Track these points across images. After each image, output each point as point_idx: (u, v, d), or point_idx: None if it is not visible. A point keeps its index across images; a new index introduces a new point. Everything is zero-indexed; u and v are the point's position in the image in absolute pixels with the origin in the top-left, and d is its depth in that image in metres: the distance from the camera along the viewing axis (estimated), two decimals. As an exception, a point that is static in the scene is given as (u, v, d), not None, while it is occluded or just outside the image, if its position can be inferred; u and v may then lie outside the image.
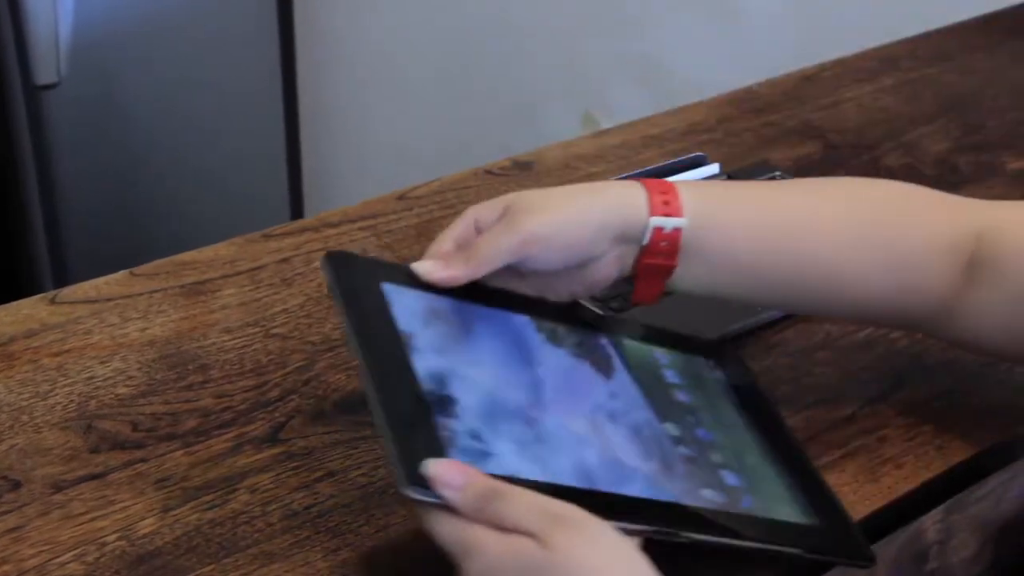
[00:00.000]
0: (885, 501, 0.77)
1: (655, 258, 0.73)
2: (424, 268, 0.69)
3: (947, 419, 0.84)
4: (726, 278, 0.75)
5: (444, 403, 0.63)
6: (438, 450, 0.60)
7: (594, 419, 0.69)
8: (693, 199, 0.73)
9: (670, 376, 0.76)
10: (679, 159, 1.09)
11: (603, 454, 0.66)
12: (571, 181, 1.12)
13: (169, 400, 0.81)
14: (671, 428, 0.72)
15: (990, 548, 0.70)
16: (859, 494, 0.77)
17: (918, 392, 0.86)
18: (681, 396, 0.75)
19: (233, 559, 0.69)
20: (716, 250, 0.74)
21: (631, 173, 1.06)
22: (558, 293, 0.74)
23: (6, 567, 0.67)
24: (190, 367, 0.85)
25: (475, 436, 0.62)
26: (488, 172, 1.14)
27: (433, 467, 0.59)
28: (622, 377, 0.73)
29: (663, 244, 0.72)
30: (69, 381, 0.82)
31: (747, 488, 0.71)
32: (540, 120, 2.30)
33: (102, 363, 0.84)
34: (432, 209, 1.07)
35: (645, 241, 0.72)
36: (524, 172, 1.14)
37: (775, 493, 0.72)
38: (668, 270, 0.74)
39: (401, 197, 1.08)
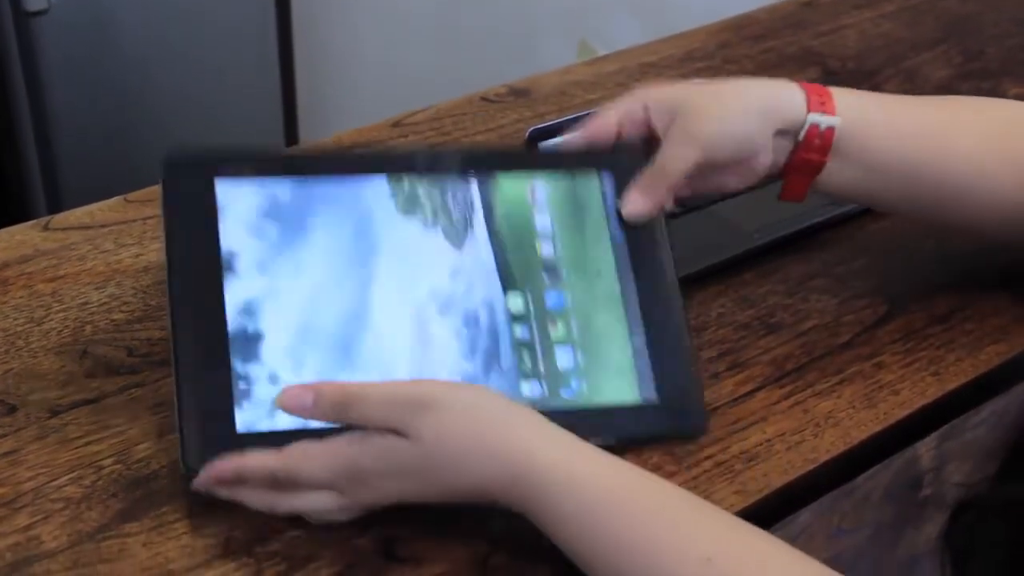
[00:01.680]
0: (881, 427, 0.77)
1: (808, 153, 0.76)
2: (631, 208, 0.74)
3: (943, 346, 0.84)
4: (870, 180, 0.79)
5: (248, 343, 0.66)
6: (227, 413, 0.64)
7: (422, 316, 0.70)
8: (846, 102, 0.77)
9: (542, 222, 0.74)
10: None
11: (417, 370, 0.68)
12: (568, 108, 1.11)
13: (164, 326, 0.81)
14: (514, 301, 0.72)
15: (983, 475, 0.70)
16: (855, 420, 0.77)
17: (915, 319, 0.86)
18: (546, 248, 0.74)
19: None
20: (864, 151, 0.77)
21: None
22: (718, 187, 0.77)
23: (3, 489, 0.68)
24: (185, 293, 0.84)
25: (274, 380, 0.65)
26: (484, 99, 1.13)
27: (280, 400, 0.63)
28: (476, 241, 0.72)
29: (816, 141, 0.76)
30: (64, 307, 0.82)
31: (579, 368, 0.72)
32: (535, 49, 2.28)
33: (97, 289, 0.84)
34: (428, 136, 1.06)
35: (800, 136, 0.76)
36: (521, 99, 1.13)
37: (615, 363, 0.72)
38: (818, 167, 0.77)
39: (396, 124, 1.07)
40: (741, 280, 0.89)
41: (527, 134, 0.99)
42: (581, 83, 1.16)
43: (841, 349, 0.83)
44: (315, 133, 2.62)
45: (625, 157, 0.76)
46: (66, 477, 0.69)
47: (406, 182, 0.70)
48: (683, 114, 0.75)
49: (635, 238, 0.75)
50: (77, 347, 0.79)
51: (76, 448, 0.71)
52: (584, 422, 0.68)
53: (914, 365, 0.82)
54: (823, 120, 0.76)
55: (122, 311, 0.82)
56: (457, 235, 0.71)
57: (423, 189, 0.71)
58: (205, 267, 0.65)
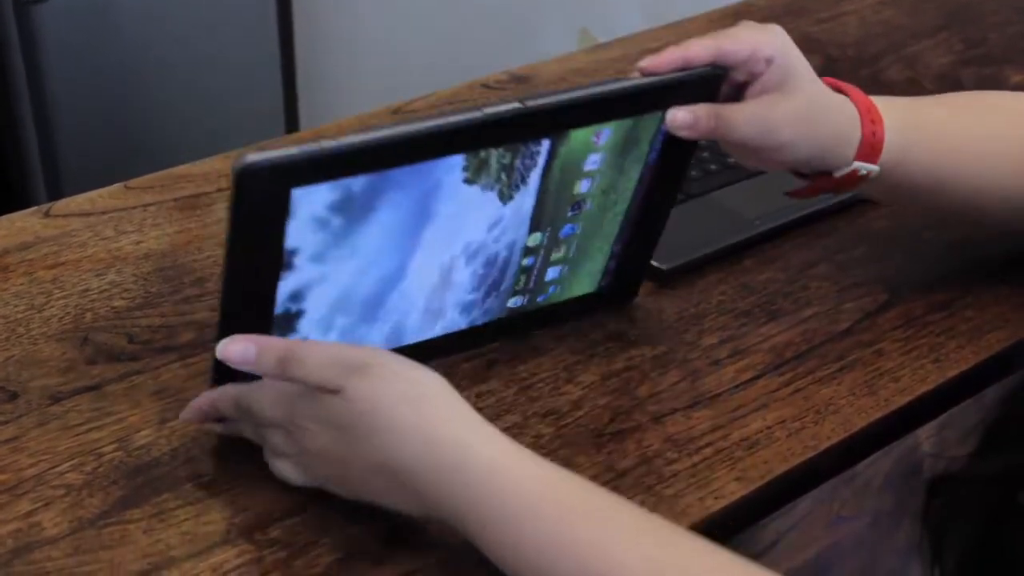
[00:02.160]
0: (881, 414, 0.77)
1: (841, 184, 0.78)
2: (679, 118, 0.72)
3: (944, 333, 0.84)
4: (896, 196, 0.83)
5: (289, 320, 0.68)
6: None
7: (449, 267, 0.72)
8: (894, 142, 0.77)
9: (592, 161, 0.73)
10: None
11: (429, 307, 0.73)
12: (568, 95, 1.11)
13: (165, 313, 0.81)
14: (533, 238, 0.74)
15: (978, 441, 0.70)
16: (855, 407, 0.77)
17: (915, 306, 0.86)
18: (584, 185, 0.74)
19: (231, 469, 0.69)
20: (896, 185, 0.79)
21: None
22: (742, 158, 0.78)
23: (5, 476, 0.68)
24: (186, 280, 0.84)
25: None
26: (485, 86, 1.13)
27: (222, 349, 0.65)
28: (525, 193, 0.72)
29: (853, 179, 0.77)
30: (64, 294, 0.82)
31: (561, 278, 0.78)
32: (536, 37, 2.28)
33: (97, 276, 0.84)
34: (428, 122, 1.06)
35: (838, 174, 0.76)
36: (521, 86, 1.13)
37: (588, 269, 0.79)
38: (845, 191, 0.80)
39: (396, 111, 1.07)
40: (742, 267, 0.89)
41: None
42: (581, 70, 1.16)
43: (841, 336, 0.83)
44: (316, 119, 2.61)
45: (702, 90, 0.74)
46: (67, 464, 0.69)
47: (482, 154, 0.68)
48: (784, 103, 0.73)
49: (662, 162, 0.76)
50: (78, 334, 0.79)
51: (77, 435, 0.71)
52: (550, 312, 0.80)
53: (914, 352, 0.82)
54: (865, 167, 0.77)
55: (123, 298, 0.82)
56: (509, 192, 0.71)
57: (496, 156, 0.69)
58: (264, 266, 0.65)
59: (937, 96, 0.85)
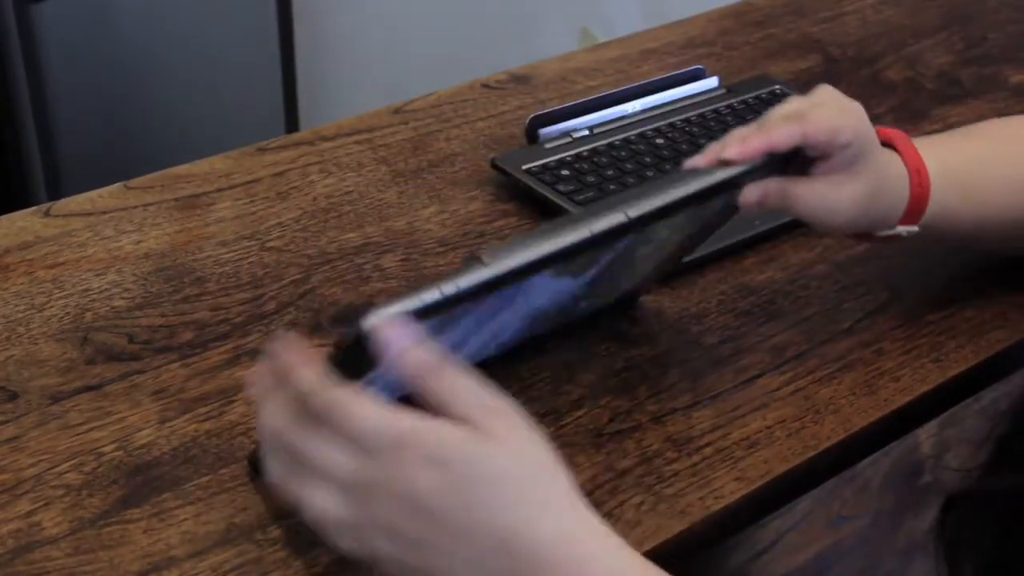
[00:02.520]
0: (881, 413, 0.77)
1: (877, 242, 0.79)
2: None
3: (944, 333, 0.84)
4: (940, 242, 0.85)
5: None
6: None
7: (506, 325, 0.71)
8: (936, 201, 0.77)
9: (658, 235, 0.73)
10: (677, 72, 1.08)
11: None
12: (569, 95, 1.11)
13: (165, 312, 0.81)
14: (582, 290, 0.74)
15: (974, 463, 0.70)
16: (855, 406, 0.77)
17: (915, 306, 0.86)
18: (642, 250, 0.75)
19: (230, 469, 0.69)
20: (932, 234, 0.80)
21: (633, 85, 1.05)
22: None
23: (5, 476, 0.68)
24: (186, 280, 0.84)
25: None
26: (485, 85, 1.13)
27: (378, 318, 0.53)
28: (591, 270, 0.72)
29: (891, 239, 0.78)
30: (64, 293, 0.82)
31: (591, 307, 0.79)
32: (536, 36, 2.28)
33: (97, 275, 0.84)
34: (428, 123, 1.06)
35: (880, 234, 0.78)
36: (521, 85, 1.13)
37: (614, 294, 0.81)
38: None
39: (397, 111, 1.07)
40: (742, 267, 0.89)
41: (527, 121, 0.99)
42: (582, 69, 1.16)
43: (842, 336, 0.83)
44: (316, 119, 2.61)
45: (772, 169, 0.73)
46: (67, 464, 0.69)
47: (571, 263, 0.67)
48: (850, 184, 0.73)
49: (709, 221, 0.76)
50: (78, 334, 0.79)
51: (77, 435, 0.71)
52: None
53: (914, 352, 0.82)
54: (906, 229, 0.78)
55: (123, 298, 0.82)
56: (582, 272, 0.71)
57: (581, 260, 0.68)
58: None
59: (971, 132, 0.85)
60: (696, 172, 0.69)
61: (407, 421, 0.53)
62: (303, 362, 0.56)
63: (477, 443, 0.53)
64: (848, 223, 0.75)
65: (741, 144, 0.69)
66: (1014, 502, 0.62)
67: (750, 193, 0.72)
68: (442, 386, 0.54)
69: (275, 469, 0.56)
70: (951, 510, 0.67)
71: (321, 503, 0.54)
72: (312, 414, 0.54)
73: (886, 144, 0.77)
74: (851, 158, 0.72)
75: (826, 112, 0.71)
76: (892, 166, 0.76)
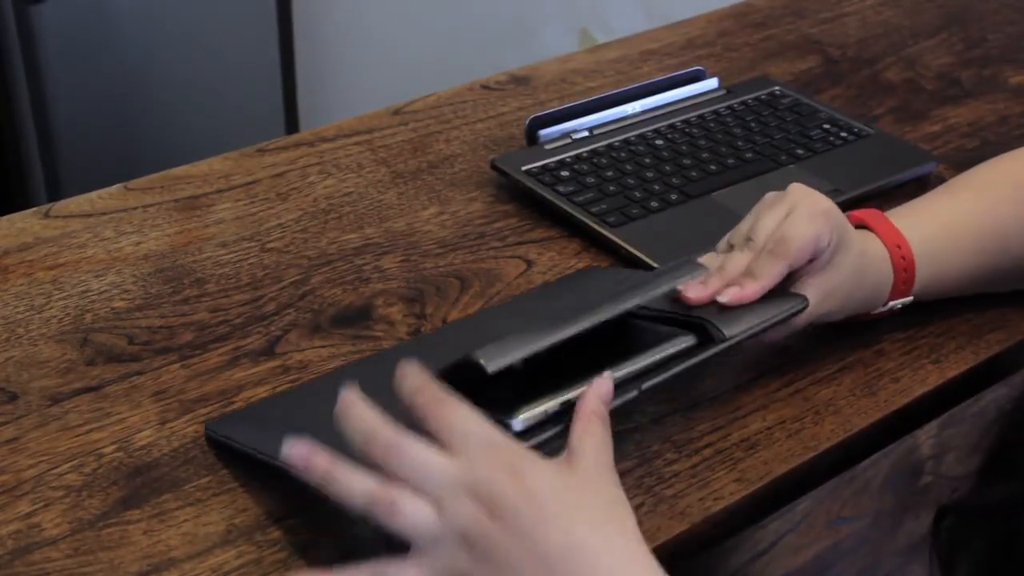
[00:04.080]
0: (881, 414, 0.77)
1: (874, 318, 0.82)
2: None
3: (944, 334, 0.84)
4: (944, 296, 0.84)
5: None
6: None
7: None
8: (924, 274, 0.80)
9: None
10: (677, 73, 1.08)
11: None
12: (568, 96, 1.11)
13: (165, 314, 0.81)
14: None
15: (964, 469, 0.71)
16: (855, 407, 0.77)
17: (915, 307, 0.85)
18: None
19: (230, 470, 0.69)
20: (931, 297, 0.83)
21: (633, 86, 1.05)
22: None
23: (5, 477, 0.68)
24: (185, 281, 0.84)
25: None
26: (485, 87, 1.13)
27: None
28: None
29: (886, 313, 0.81)
30: (64, 295, 0.82)
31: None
32: (536, 37, 2.28)
33: (97, 277, 0.84)
34: (428, 124, 1.06)
35: (875, 312, 0.80)
36: (521, 87, 1.13)
37: None
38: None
39: (396, 112, 1.07)
40: (741, 268, 0.88)
41: (527, 122, 0.99)
42: (581, 70, 1.16)
43: (841, 337, 0.83)
44: (316, 120, 2.61)
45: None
46: (67, 465, 0.69)
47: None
48: (833, 278, 0.75)
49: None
50: (78, 335, 0.79)
51: (77, 436, 0.71)
52: None
53: (914, 353, 0.82)
54: (900, 302, 0.81)
55: (122, 299, 0.82)
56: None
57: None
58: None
59: (946, 190, 0.86)
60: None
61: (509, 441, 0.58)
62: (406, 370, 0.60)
63: (559, 467, 0.58)
64: (838, 311, 0.77)
65: (740, 293, 0.72)
66: (1005, 514, 0.63)
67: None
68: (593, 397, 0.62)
69: (360, 481, 0.58)
70: (943, 519, 0.68)
71: (412, 507, 0.57)
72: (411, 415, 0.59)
73: (861, 226, 0.80)
74: (829, 255, 0.75)
75: (803, 226, 0.73)
76: (870, 247, 0.78)
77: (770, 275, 0.73)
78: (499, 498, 0.56)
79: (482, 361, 0.60)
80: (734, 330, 0.71)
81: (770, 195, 0.77)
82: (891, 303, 0.80)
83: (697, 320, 0.71)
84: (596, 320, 0.65)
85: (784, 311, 0.73)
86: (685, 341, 0.70)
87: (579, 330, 0.63)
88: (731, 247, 0.76)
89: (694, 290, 0.72)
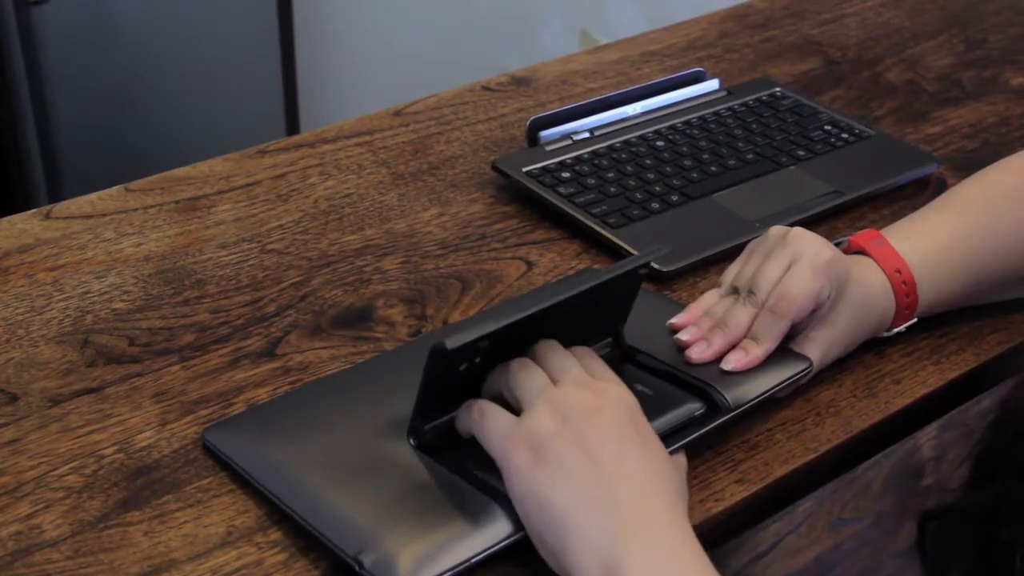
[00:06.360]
0: (882, 416, 0.77)
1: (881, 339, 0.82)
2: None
3: (944, 335, 0.84)
4: (947, 310, 0.84)
5: None
6: None
7: None
8: (926, 299, 0.80)
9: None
10: (678, 75, 1.08)
11: None
12: (569, 97, 1.11)
13: (165, 315, 0.81)
14: None
15: (970, 468, 0.71)
16: (856, 409, 0.77)
17: (916, 308, 0.86)
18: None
19: (231, 472, 0.69)
20: (936, 311, 0.83)
21: (634, 87, 1.05)
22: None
23: (5, 478, 0.68)
24: (186, 282, 0.84)
25: None
26: (485, 88, 1.13)
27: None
28: None
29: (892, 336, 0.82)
30: (64, 296, 0.82)
31: None
32: (537, 38, 2.28)
33: (97, 278, 0.84)
34: (428, 125, 1.06)
35: (881, 336, 0.81)
36: (522, 88, 1.13)
37: None
38: None
39: (397, 113, 1.07)
40: (742, 269, 0.88)
41: (528, 123, 0.99)
42: (582, 71, 1.16)
43: (842, 338, 0.82)
44: (316, 120, 2.62)
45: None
46: (67, 466, 0.69)
47: None
48: (837, 326, 0.77)
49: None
50: (78, 336, 0.79)
51: (77, 437, 0.71)
52: None
53: (915, 354, 0.82)
54: (906, 325, 0.81)
55: (123, 300, 0.82)
56: None
57: None
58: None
59: (944, 205, 0.85)
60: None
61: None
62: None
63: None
64: (843, 353, 0.78)
65: (744, 359, 0.74)
66: (987, 519, 0.63)
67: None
68: None
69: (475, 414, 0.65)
70: (928, 523, 0.68)
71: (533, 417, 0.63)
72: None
73: (860, 250, 0.80)
74: (830, 305, 0.75)
75: (805, 281, 0.74)
76: (871, 280, 0.78)
77: (772, 337, 0.74)
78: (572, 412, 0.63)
79: (446, 343, 0.62)
80: (740, 398, 0.72)
81: (773, 235, 0.77)
82: (896, 329, 0.81)
83: (702, 384, 0.73)
84: (553, 302, 0.66)
85: (789, 378, 0.74)
86: (693, 409, 0.72)
87: (535, 311, 0.65)
88: (733, 289, 0.76)
89: (698, 351, 0.74)
